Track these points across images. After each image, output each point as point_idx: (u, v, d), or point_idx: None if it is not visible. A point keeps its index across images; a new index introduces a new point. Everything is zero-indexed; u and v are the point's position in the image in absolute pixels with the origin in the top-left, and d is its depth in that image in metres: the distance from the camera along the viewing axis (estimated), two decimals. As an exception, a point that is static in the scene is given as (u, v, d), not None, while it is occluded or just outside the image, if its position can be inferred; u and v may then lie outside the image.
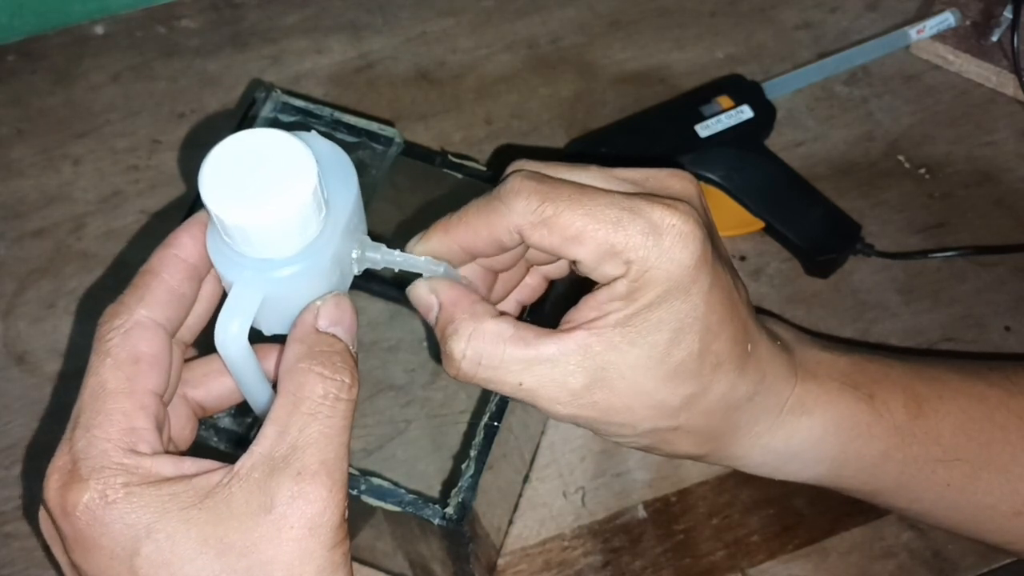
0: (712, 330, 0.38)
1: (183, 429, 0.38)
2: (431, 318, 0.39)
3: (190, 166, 0.35)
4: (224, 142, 0.35)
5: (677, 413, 0.39)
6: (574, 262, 0.38)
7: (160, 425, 0.34)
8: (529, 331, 0.38)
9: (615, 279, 0.37)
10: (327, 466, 0.33)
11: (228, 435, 0.42)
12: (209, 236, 0.36)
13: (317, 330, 0.36)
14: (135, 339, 0.34)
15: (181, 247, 0.36)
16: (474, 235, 0.38)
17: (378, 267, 0.40)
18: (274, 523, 0.32)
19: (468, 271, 0.41)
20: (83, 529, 0.32)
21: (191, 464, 0.34)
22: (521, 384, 0.38)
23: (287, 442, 0.33)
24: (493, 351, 0.38)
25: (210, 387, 0.39)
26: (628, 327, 0.37)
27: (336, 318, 0.36)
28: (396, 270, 0.40)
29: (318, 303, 0.36)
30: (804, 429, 0.43)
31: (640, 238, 0.36)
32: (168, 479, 0.33)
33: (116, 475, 0.32)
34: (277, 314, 0.37)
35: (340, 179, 0.37)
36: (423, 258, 0.39)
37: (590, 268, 0.38)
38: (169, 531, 0.32)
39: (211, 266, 0.37)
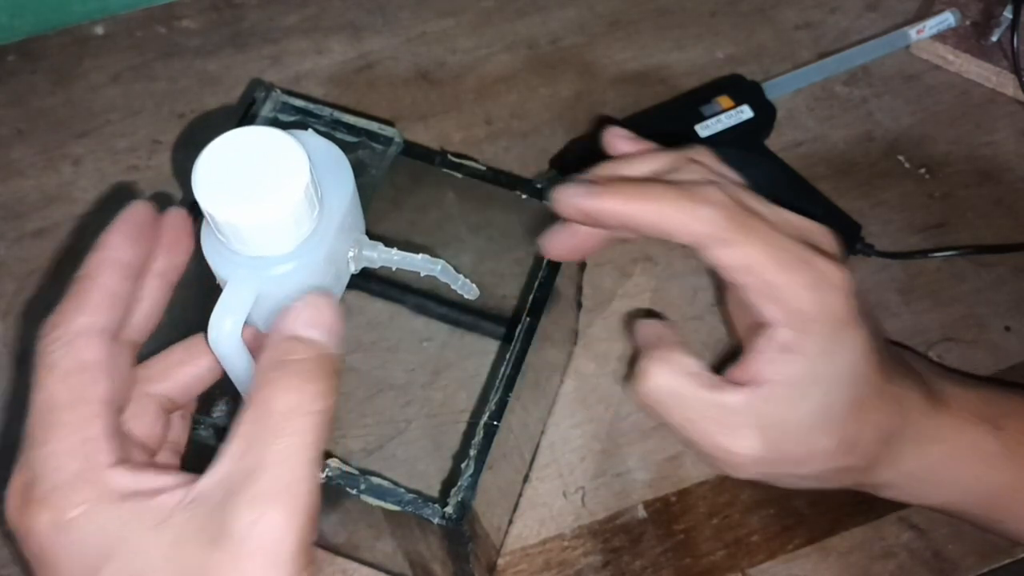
0: (859, 379, 0.41)
1: (152, 427, 0.37)
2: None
3: (190, 166, 0.35)
4: (217, 140, 0.35)
5: (835, 456, 0.42)
6: (732, 283, 0.40)
7: (114, 432, 0.33)
8: (713, 377, 0.41)
9: (772, 326, 0.40)
10: (290, 489, 0.30)
11: (229, 434, 0.42)
12: (203, 234, 0.36)
13: (290, 335, 0.33)
14: (78, 348, 0.33)
15: (114, 248, 0.35)
16: (650, 217, 0.40)
17: (375, 266, 0.40)
18: (233, 550, 0.30)
19: None
20: (44, 550, 0.31)
21: (151, 477, 0.32)
22: (690, 421, 0.41)
23: (249, 462, 0.31)
24: (672, 379, 0.41)
25: (176, 379, 0.38)
26: (794, 385, 0.40)
27: (313, 319, 0.33)
28: (394, 269, 0.40)
29: (298, 303, 0.34)
30: (939, 457, 0.45)
31: (805, 292, 0.39)
32: (129, 495, 0.31)
33: (73, 493, 0.31)
34: (272, 312, 0.37)
35: (335, 177, 0.37)
36: (420, 256, 0.39)
37: (749, 300, 0.40)
38: (130, 553, 0.30)
39: (145, 260, 0.36)
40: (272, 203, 0.34)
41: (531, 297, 0.45)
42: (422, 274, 0.40)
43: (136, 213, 0.37)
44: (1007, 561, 0.55)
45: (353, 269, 0.39)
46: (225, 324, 0.35)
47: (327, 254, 0.36)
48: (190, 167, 0.35)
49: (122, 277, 0.35)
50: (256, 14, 0.73)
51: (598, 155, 0.64)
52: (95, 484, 0.31)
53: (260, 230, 0.34)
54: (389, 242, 0.40)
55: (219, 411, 0.45)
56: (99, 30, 0.73)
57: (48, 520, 0.31)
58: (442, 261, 0.39)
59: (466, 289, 0.42)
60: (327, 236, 0.36)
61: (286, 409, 0.31)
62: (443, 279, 0.40)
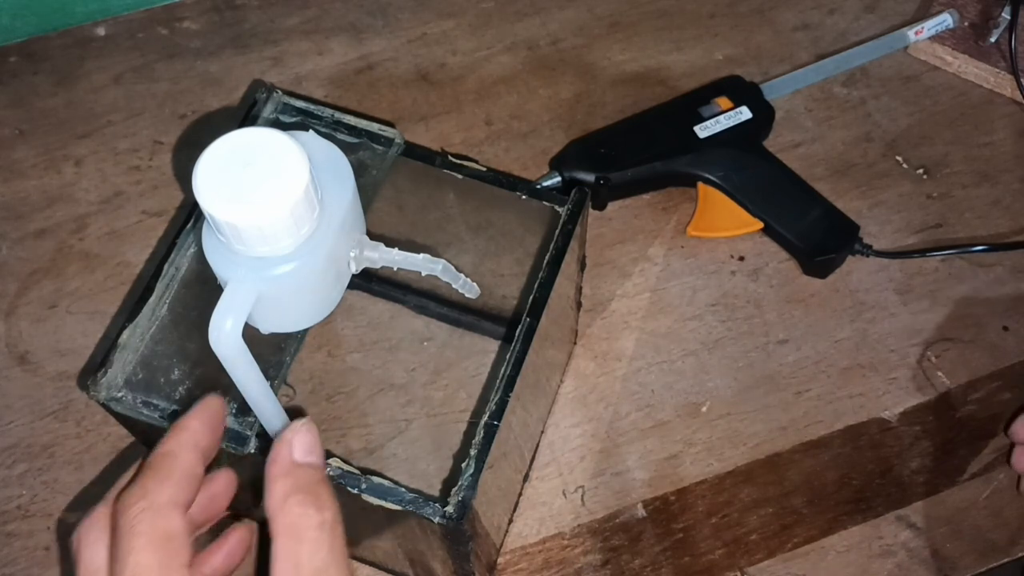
0: None
1: None
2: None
3: (192, 167, 0.35)
4: (218, 140, 0.35)
5: None
6: None
7: None
8: None
9: None
10: None
11: (230, 434, 0.42)
12: (204, 234, 0.37)
13: (296, 463, 0.37)
14: (164, 519, 0.36)
15: (194, 431, 0.38)
16: None
17: (376, 266, 0.40)
18: None
19: None
20: None
21: None
22: None
23: (307, 573, 0.35)
24: None
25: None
26: None
27: (310, 445, 0.38)
28: (395, 269, 0.40)
29: (289, 434, 0.37)
30: None
31: None
32: None
33: None
34: (273, 312, 0.37)
35: (335, 178, 0.38)
36: (421, 256, 0.40)
37: None
38: None
39: (217, 448, 0.39)
40: (272, 204, 0.34)
41: (531, 297, 0.45)
42: (423, 274, 0.40)
43: (213, 404, 0.39)
44: (1005, 560, 0.55)
45: (354, 269, 0.40)
46: (225, 324, 0.35)
47: (327, 254, 0.36)
48: (191, 168, 0.35)
49: (197, 459, 0.38)
50: (257, 15, 0.74)
51: (597, 156, 0.65)
52: None
53: (260, 230, 0.34)
54: (390, 242, 0.40)
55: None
56: (101, 31, 0.73)
57: None
58: (443, 261, 0.40)
59: (467, 289, 0.42)
60: (327, 237, 0.36)
61: (318, 524, 0.36)
62: (444, 279, 0.41)
